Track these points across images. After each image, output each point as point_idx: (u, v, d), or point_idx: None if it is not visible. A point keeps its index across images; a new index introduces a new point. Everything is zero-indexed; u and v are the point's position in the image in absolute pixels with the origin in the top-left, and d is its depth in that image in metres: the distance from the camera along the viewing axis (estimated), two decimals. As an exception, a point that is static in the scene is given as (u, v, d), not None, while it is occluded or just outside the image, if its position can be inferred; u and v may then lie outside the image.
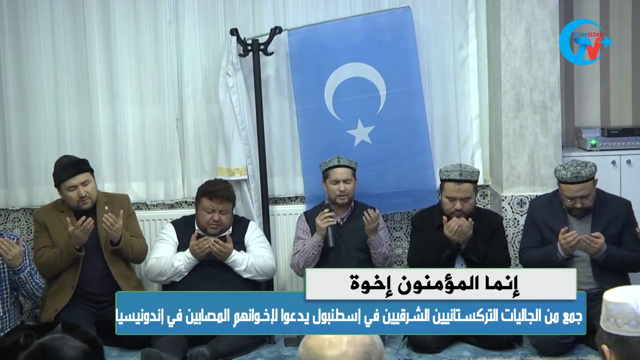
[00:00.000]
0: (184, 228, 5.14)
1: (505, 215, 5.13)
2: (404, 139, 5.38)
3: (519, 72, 5.09)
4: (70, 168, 4.91)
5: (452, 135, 5.54)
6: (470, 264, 4.87)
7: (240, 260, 5.00)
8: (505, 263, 4.99)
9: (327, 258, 5.04)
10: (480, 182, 5.54)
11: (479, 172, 5.03)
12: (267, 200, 5.39)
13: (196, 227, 5.08)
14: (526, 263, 4.95)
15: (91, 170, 5.01)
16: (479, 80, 5.53)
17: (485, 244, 4.88)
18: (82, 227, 4.75)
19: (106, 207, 4.91)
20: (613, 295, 2.02)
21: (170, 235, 5.12)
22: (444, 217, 4.82)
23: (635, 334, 1.94)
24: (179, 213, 5.40)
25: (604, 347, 1.98)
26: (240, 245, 5.07)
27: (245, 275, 5.01)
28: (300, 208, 5.46)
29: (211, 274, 4.97)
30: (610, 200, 4.83)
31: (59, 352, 1.88)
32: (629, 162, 5.26)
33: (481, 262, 4.83)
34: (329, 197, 5.13)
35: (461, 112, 5.56)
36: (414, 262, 5.04)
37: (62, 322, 1.99)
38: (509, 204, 5.13)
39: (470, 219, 4.80)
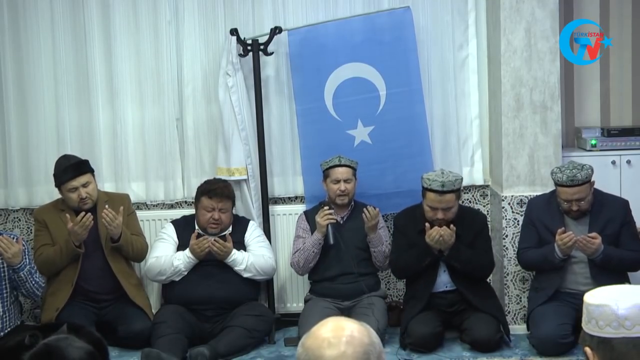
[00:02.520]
0: (183, 227, 5.14)
1: (505, 215, 5.13)
2: (404, 139, 5.37)
3: (519, 72, 5.08)
4: (70, 170, 4.92)
5: (452, 135, 5.54)
6: (452, 270, 4.86)
7: (240, 260, 5.00)
8: (489, 267, 4.98)
9: (327, 256, 5.05)
10: (480, 182, 5.55)
11: (462, 179, 4.91)
12: (267, 200, 5.39)
13: (196, 227, 5.09)
14: (524, 264, 4.95)
15: (92, 171, 5.02)
16: (478, 80, 5.52)
17: (469, 248, 4.84)
18: (81, 223, 4.77)
19: (106, 205, 4.93)
20: (593, 297, 2.02)
21: (170, 234, 5.13)
22: (427, 224, 4.76)
23: (617, 335, 1.93)
24: (178, 213, 5.40)
25: (587, 349, 1.98)
26: (240, 245, 5.07)
27: (245, 275, 5.01)
28: (300, 208, 5.46)
29: (211, 274, 4.97)
30: (608, 200, 4.82)
31: (63, 353, 1.88)
32: (629, 162, 5.25)
33: (463, 268, 4.82)
34: (329, 196, 5.13)
35: (461, 112, 5.55)
36: (394, 265, 5.03)
37: (67, 322, 2.00)
38: (509, 204, 5.13)
39: (452, 225, 4.73)
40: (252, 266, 5.02)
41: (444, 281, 4.89)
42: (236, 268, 5.00)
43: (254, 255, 5.05)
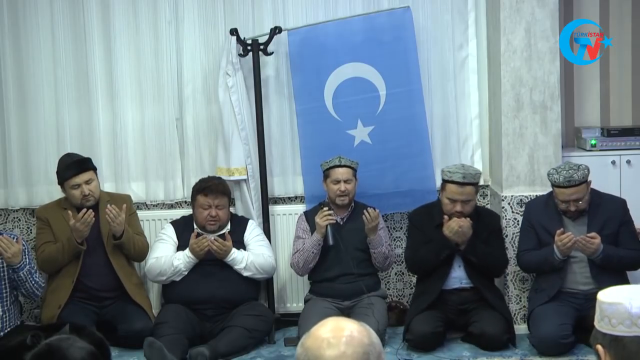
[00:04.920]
0: (183, 228, 5.14)
1: (505, 215, 5.13)
2: (404, 139, 5.37)
3: (519, 72, 5.08)
4: (74, 167, 4.94)
5: (452, 135, 5.54)
6: (468, 265, 4.88)
7: (240, 259, 5.00)
8: (503, 264, 5.00)
9: (326, 257, 5.05)
10: (480, 182, 5.55)
11: (481, 173, 5.03)
12: (266, 200, 5.39)
13: (195, 226, 5.09)
14: (524, 266, 4.96)
15: (94, 169, 5.03)
16: (478, 80, 5.53)
17: (484, 244, 4.88)
18: (82, 220, 4.78)
19: (108, 204, 4.94)
20: (607, 295, 2.02)
21: (169, 235, 5.13)
22: (445, 217, 4.81)
23: (630, 334, 1.93)
24: (178, 213, 5.40)
25: (599, 347, 1.98)
26: (240, 244, 5.08)
27: (245, 274, 5.01)
28: (300, 208, 5.46)
29: (211, 273, 4.98)
30: (605, 200, 4.82)
31: (65, 353, 1.88)
32: (628, 162, 5.25)
33: (480, 263, 4.84)
34: (329, 196, 5.13)
35: (461, 112, 5.55)
36: (411, 261, 5.05)
37: (69, 322, 1.99)
38: (508, 204, 5.13)
39: (469, 219, 4.79)
40: (252, 265, 5.02)
41: (458, 277, 4.91)
42: (236, 267, 5.00)
43: (253, 254, 5.05)
